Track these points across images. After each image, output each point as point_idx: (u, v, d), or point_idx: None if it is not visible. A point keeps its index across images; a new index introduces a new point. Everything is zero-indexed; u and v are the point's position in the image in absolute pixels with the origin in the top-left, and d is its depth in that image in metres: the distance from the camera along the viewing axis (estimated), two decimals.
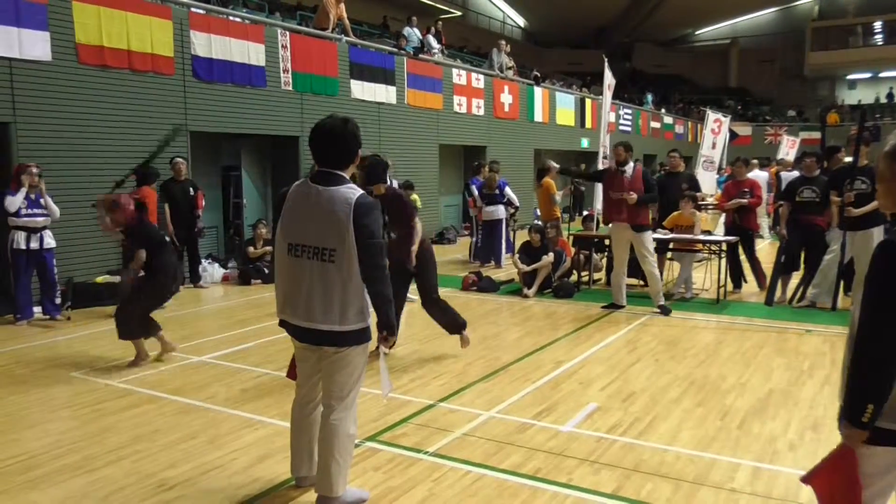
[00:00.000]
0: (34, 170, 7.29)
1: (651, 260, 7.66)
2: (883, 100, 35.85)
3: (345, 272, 3.09)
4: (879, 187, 2.24)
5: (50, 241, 7.44)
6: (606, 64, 10.53)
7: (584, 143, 21.66)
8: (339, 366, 3.21)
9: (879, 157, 2.20)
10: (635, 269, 9.60)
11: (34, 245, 7.27)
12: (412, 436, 4.22)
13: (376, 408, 4.70)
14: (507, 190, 11.37)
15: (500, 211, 11.24)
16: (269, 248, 9.38)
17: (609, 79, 10.43)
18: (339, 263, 3.09)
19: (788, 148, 18.62)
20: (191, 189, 9.33)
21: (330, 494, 3.23)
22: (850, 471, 2.15)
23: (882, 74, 37.03)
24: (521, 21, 38.33)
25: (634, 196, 7.42)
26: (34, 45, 7.92)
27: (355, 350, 3.21)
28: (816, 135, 28.61)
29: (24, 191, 7.15)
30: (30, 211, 7.23)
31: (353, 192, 3.13)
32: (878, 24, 35.28)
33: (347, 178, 3.20)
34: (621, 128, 23.78)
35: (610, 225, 7.95)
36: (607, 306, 8.05)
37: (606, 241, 9.51)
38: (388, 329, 3.18)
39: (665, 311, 7.71)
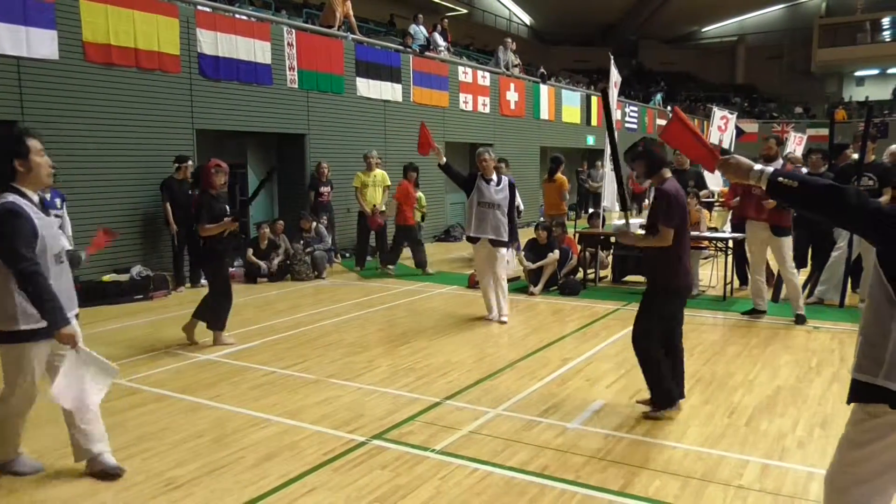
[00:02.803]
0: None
1: (790, 266, 6.99)
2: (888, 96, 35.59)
3: None
4: None
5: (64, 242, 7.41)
6: (612, 61, 10.47)
7: (590, 140, 21.62)
8: None
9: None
10: (639, 264, 9.61)
11: None
12: (419, 434, 4.22)
13: (383, 405, 4.71)
14: None
15: None
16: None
17: (615, 76, 10.37)
18: None
19: (795, 145, 18.52)
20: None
21: None
22: None
23: (890, 71, 36.77)
24: (526, 19, 38.26)
25: (773, 201, 6.51)
26: (42, 43, 7.95)
27: (2, 348, 3.45)
28: (824, 131, 28.53)
29: None
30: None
31: None
32: (886, 21, 35.10)
33: (11, 188, 3.38)
34: (627, 125, 23.71)
35: (747, 222, 7.24)
36: (747, 312, 7.39)
37: (612, 239, 9.51)
38: (52, 324, 3.34)
39: (801, 320, 7.06)
